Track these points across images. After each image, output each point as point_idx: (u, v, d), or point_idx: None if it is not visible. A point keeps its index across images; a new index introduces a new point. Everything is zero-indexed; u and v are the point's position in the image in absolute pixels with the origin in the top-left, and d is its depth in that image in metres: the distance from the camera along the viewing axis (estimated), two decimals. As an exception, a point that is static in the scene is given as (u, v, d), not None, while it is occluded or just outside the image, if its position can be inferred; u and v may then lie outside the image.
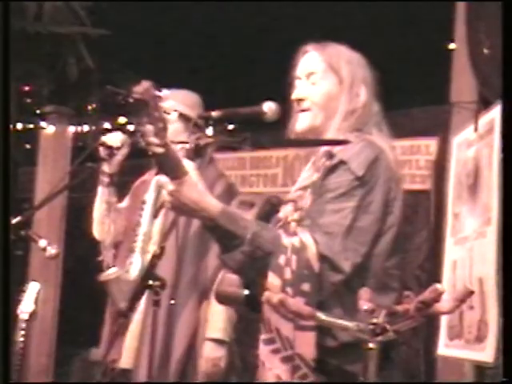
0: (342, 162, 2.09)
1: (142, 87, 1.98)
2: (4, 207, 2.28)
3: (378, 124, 2.23)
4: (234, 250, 2.09)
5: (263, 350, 2.13)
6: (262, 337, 2.14)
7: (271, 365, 2.09)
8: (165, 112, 2.02)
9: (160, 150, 2.02)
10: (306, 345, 2.03)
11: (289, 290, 2.00)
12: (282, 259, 2.03)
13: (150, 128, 2.00)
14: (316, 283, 2.01)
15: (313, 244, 2.01)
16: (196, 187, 2.08)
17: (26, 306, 3.65)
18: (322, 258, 2.00)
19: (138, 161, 2.46)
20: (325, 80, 2.23)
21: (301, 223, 2.10)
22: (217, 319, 2.92)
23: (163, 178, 2.09)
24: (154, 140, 2.01)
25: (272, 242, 2.06)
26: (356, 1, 4.91)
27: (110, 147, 2.95)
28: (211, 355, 2.91)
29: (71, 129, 5.35)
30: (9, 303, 2.12)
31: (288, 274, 2.02)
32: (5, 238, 2.36)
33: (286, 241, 2.05)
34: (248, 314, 2.35)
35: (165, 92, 2.03)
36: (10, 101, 3.42)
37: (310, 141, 2.26)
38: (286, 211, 2.21)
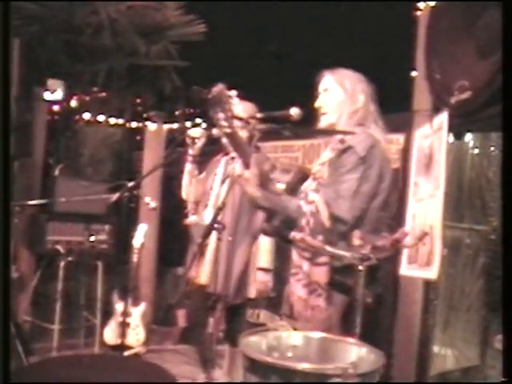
0: (350, 147, 2.06)
1: (218, 88, 1.96)
2: (4, 200, 1.81)
3: (376, 121, 2.20)
4: (272, 218, 2.10)
5: (291, 280, 2.12)
6: (290, 271, 2.13)
7: (295, 289, 2.08)
8: (232, 105, 1.99)
9: (228, 130, 2.00)
10: (320, 275, 2.03)
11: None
12: (303, 222, 2.03)
13: (221, 115, 1.98)
14: (327, 234, 1.99)
15: (325, 209, 1.99)
16: (246, 182, 2.06)
17: (137, 239, 3.68)
18: (333, 216, 1.98)
19: (212, 147, 2.44)
20: (335, 92, 2.20)
21: (317, 191, 2.08)
22: (264, 254, 2.90)
23: (237, 169, 2.06)
24: (224, 123, 1.99)
25: (296, 210, 2.05)
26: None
27: (192, 138, 2.94)
28: (261, 279, 2.90)
29: (165, 126, 5.35)
30: (8, 303, 1.71)
31: (307, 231, 2.01)
32: (5, 230, 1.80)
33: (306, 208, 2.04)
34: (281, 243, 2.34)
35: (233, 93, 2.00)
36: (10, 100, 3.21)
37: (329, 131, 2.24)
38: (306, 184, 2.19)
